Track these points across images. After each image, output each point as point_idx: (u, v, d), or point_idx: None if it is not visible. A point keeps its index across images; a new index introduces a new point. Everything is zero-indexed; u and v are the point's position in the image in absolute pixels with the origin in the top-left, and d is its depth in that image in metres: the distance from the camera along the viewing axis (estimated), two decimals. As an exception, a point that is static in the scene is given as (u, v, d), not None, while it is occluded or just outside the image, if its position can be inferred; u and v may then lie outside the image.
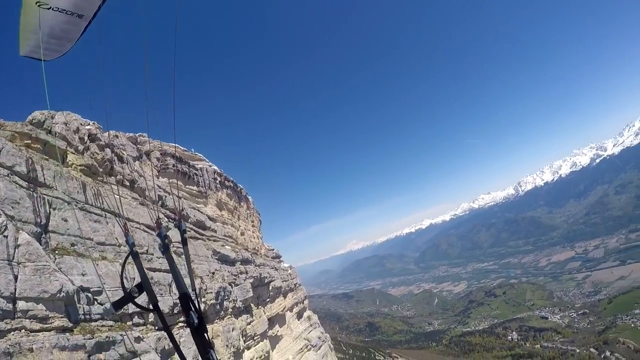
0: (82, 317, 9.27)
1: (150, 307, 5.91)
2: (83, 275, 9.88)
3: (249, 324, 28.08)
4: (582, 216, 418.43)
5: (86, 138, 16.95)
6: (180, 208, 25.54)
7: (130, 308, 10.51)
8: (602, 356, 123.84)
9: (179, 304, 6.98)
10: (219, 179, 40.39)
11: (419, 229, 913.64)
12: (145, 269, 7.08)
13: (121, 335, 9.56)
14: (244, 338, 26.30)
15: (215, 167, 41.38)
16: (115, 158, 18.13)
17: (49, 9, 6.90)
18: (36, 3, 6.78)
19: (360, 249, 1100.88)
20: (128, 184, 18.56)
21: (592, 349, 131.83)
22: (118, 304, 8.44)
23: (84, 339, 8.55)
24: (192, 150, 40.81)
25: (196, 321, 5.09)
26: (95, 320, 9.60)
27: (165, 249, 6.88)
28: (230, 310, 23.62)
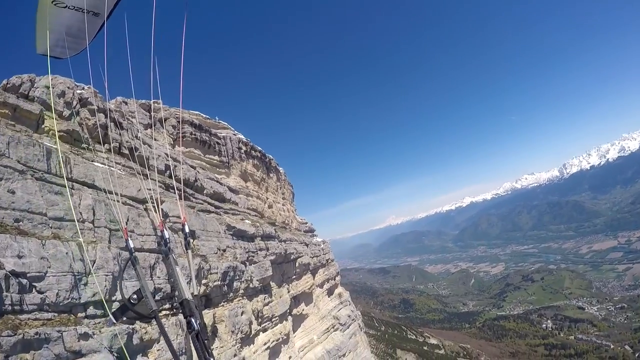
0: (10, 307, 7.61)
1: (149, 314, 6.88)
2: (19, 257, 8.18)
3: (266, 304, 26.62)
4: (627, 204, 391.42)
5: (75, 102, 15.48)
6: (194, 179, 24.12)
7: (83, 297, 8.99)
8: (637, 355, 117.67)
9: (180, 308, 6.54)
10: (244, 148, 38.67)
11: (459, 207, 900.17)
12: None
13: (58, 331, 7.98)
14: (259, 320, 24.90)
15: (241, 136, 39.74)
16: (112, 124, 16.67)
17: (64, 7, 7.12)
18: (52, 2, 6.98)
19: (399, 224, 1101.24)
20: (127, 152, 17.13)
21: (627, 346, 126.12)
22: (118, 313, 8.22)
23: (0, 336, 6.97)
24: (216, 118, 39.34)
25: (197, 328, 5.46)
26: (29, 312, 7.97)
27: (166, 254, 7.44)
28: (241, 291, 22.11)
